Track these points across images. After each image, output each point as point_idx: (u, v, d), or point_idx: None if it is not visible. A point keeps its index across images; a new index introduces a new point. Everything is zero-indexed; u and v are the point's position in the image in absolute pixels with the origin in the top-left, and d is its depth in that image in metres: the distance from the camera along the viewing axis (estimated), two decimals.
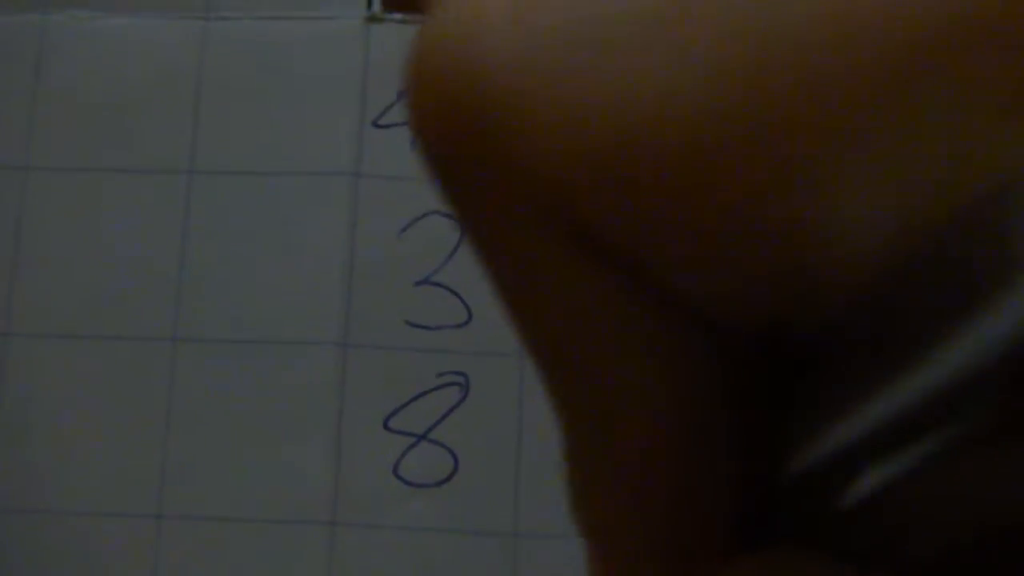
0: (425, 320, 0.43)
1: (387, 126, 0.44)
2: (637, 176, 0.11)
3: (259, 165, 0.44)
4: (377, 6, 0.45)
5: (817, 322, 0.12)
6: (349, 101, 0.44)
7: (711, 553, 0.13)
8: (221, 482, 0.42)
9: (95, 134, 0.44)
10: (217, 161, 0.44)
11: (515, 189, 0.12)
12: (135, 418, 0.42)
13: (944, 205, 0.10)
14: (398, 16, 0.45)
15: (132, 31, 0.45)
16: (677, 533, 0.13)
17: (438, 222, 0.43)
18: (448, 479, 0.42)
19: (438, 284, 0.43)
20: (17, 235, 0.44)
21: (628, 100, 0.11)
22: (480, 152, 0.12)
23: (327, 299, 0.43)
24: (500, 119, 0.11)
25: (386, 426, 0.42)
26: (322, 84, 0.44)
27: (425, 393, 0.42)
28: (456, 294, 0.43)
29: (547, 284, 0.12)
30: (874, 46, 0.10)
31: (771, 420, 0.13)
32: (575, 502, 0.14)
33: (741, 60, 0.10)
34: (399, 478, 0.42)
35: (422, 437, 0.42)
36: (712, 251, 0.11)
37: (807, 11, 0.10)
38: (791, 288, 0.11)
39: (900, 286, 0.11)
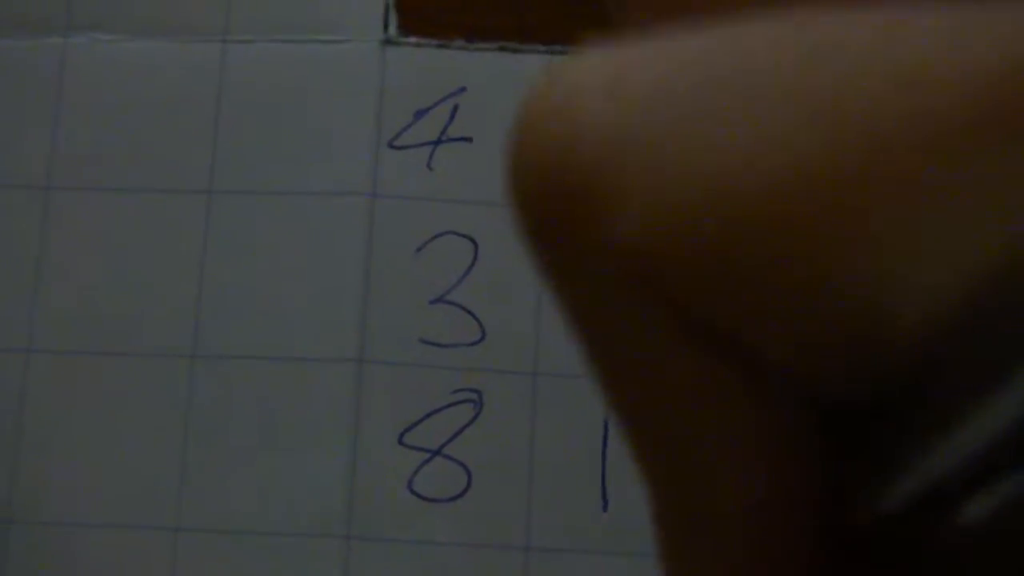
0: (439, 338, 0.43)
1: (402, 147, 0.44)
2: (729, 244, 0.11)
3: (277, 185, 0.44)
4: (393, 30, 0.45)
5: (896, 370, 0.12)
6: (365, 123, 0.44)
7: None
8: (238, 496, 0.42)
9: (115, 155, 0.45)
10: (235, 181, 0.44)
11: (609, 261, 0.12)
12: (154, 432, 0.43)
13: (1001, 272, 0.11)
14: (413, 40, 0.45)
15: (152, 54, 0.45)
16: None
17: (452, 242, 0.44)
18: (462, 494, 0.42)
19: (452, 303, 0.43)
20: (39, 253, 0.44)
21: (717, 169, 0.11)
22: (575, 225, 0.12)
23: (344, 316, 0.43)
24: (595, 191, 0.11)
25: (401, 441, 0.42)
26: (339, 106, 0.45)
27: (439, 409, 0.42)
28: (470, 313, 0.43)
29: (640, 356, 0.12)
30: (944, 108, 0.10)
31: (849, 470, 0.13)
32: (665, 559, 0.14)
33: (820, 133, 0.11)
34: (413, 493, 0.42)
35: (436, 453, 0.42)
36: (792, 312, 0.11)
37: (882, 80, 0.11)
38: (875, 338, 0.12)
39: (969, 333, 0.11)
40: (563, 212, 0.12)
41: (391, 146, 0.44)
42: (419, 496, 0.42)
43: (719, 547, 0.13)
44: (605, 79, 0.12)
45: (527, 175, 0.12)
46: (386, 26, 0.45)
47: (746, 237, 0.11)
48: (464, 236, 0.44)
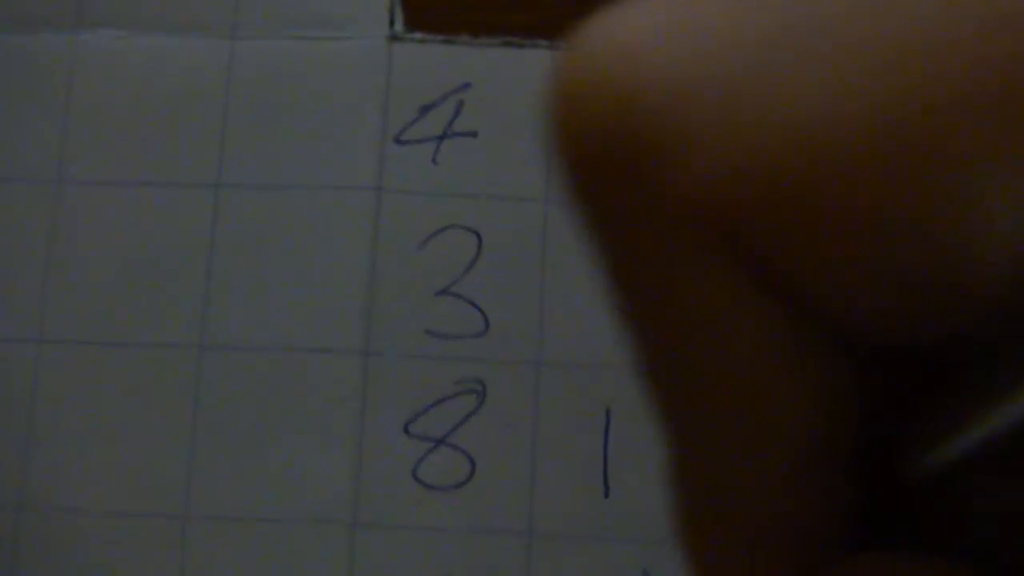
0: (444, 329, 0.43)
1: (408, 142, 0.45)
2: (814, 192, 0.11)
3: (284, 179, 0.45)
4: (399, 26, 0.46)
5: (951, 332, 0.12)
6: (371, 118, 0.45)
7: (829, 556, 0.13)
8: (245, 484, 0.43)
9: (125, 149, 0.45)
10: (243, 175, 0.45)
11: (672, 212, 0.11)
12: (162, 422, 0.43)
13: None
14: (419, 36, 0.46)
15: (161, 50, 0.46)
16: (796, 540, 0.13)
17: (457, 235, 0.44)
18: (465, 482, 0.42)
19: (457, 295, 0.43)
20: (49, 246, 0.44)
21: (793, 113, 0.11)
22: (641, 174, 0.11)
23: (349, 309, 0.43)
24: (663, 138, 0.11)
25: (406, 431, 0.43)
26: (345, 101, 0.45)
27: (444, 400, 0.43)
28: (474, 305, 0.43)
29: (701, 307, 0.12)
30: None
31: (893, 426, 0.13)
32: (685, 522, 0.13)
33: (907, 73, 0.11)
34: (418, 481, 0.42)
35: (440, 442, 0.43)
36: (875, 264, 0.11)
37: (970, 23, 0.10)
38: (937, 298, 0.11)
39: None
40: (627, 161, 0.11)
41: (397, 141, 0.45)
42: (424, 484, 0.42)
43: (750, 504, 0.13)
44: (668, 21, 0.11)
45: (579, 127, 0.11)
46: (392, 22, 0.46)
47: (832, 185, 0.11)
48: (469, 230, 0.44)
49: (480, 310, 0.43)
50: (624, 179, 0.11)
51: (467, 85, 0.45)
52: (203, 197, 0.45)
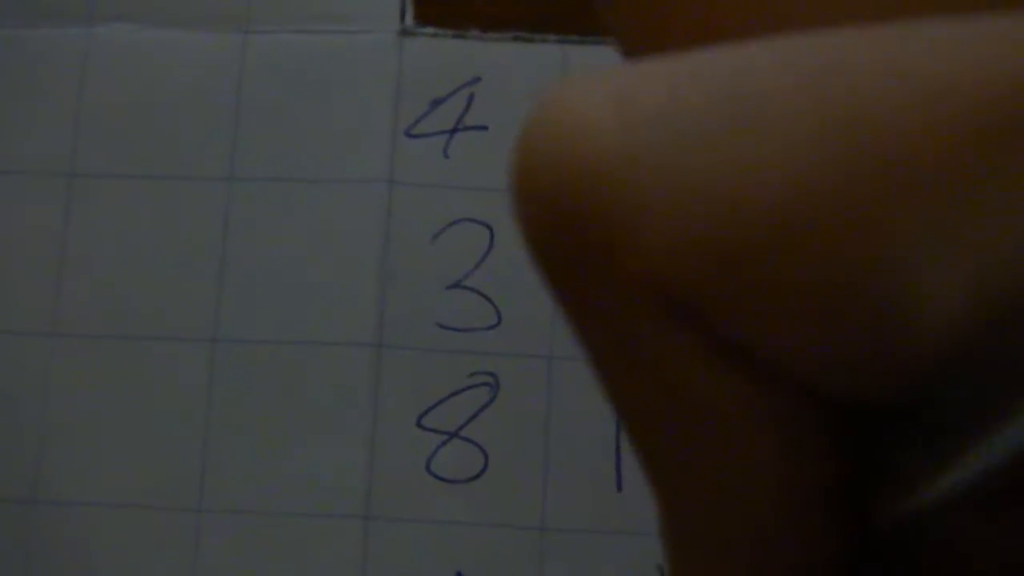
0: (456, 323, 0.43)
1: (419, 136, 0.45)
2: (752, 261, 0.11)
3: (296, 173, 0.45)
4: (410, 20, 0.46)
5: (909, 384, 0.12)
6: (382, 112, 0.45)
7: None
8: (259, 477, 0.43)
9: (137, 142, 0.45)
10: (255, 169, 0.45)
11: (624, 280, 0.11)
12: (176, 415, 0.43)
13: (1016, 278, 0.11)
14: (430, 30, 0.46)
15: (174, 44, 0.46)
16: None
17: (469, 228, 0.44)
18: (478, 475, 0.42)
19: (469, 288, 0.44)
20: (62, 239, 0.45)
21: (736, 185, 0.11)
22: (593, 253, 0.11)
23: (362, 302, 0.44)
24: (609, 213, 0.11)
25: (419, 424, 0.43)
26: (356, 95, 0.45)
27: (456, 393, 0.43)
28: (486, 298, 0.43)
29: (659, 374, 0.12)
30: (962, 118, 0.10)
31: (863, 476, 0.13)
32: (675, 571, 0.14)
33: (835, 144, 0.11)
34: (431, 474, 0.43)
35: (453, 435, 0.43)
36: (813, 325, 0.11)
37: (898, 92, 0.11)
38: (884, 355, 0.12)
39: (981, 351, 0.11)
40: (578, 240, 0.11)
41: (408, 134, 0.45)
42: (437, 477, 0.43)
43: (735, 558, 0.13)
44: (613, 97, 0.11)
45: (536, 204, 0.12)
46: (403, 17, 0.46)
47: (768, 253, 0.11)
48: (480, 223, 0.44)
49: (492, 303, 0.43)
50: (577, 254, 0.12)
51: (477, 79, 0.45)
52: (215, 190, 0.45)
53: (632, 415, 0.13)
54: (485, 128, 0.45)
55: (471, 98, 0.45)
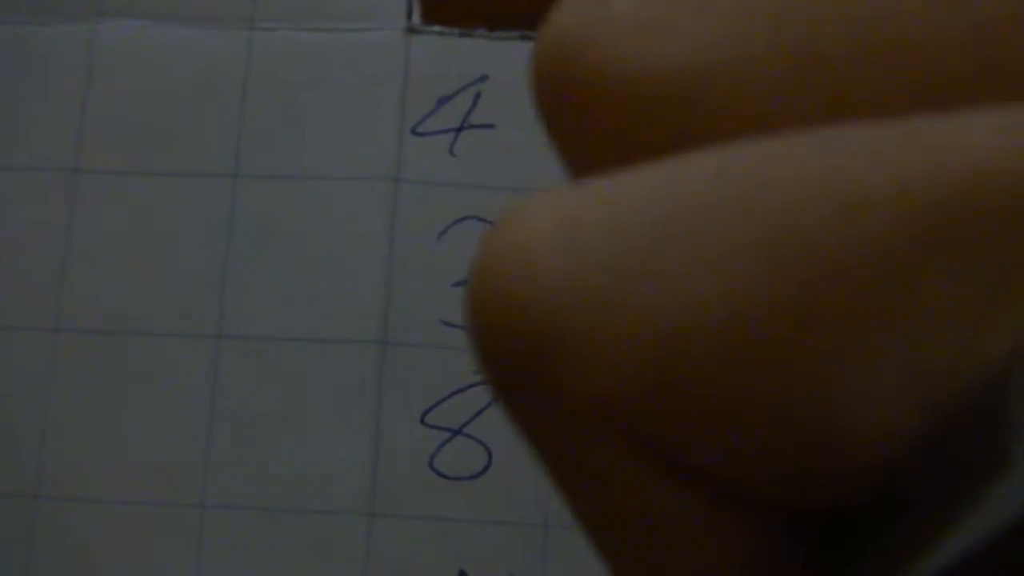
0: (461, 320, 0.43)
1: (425, 134, 0.45)
2: (682, 386, 0.11)
3: (302, 170, 0.45)
4: (416, 19, 0.46)
5: (862, 490, 0.12)
6: (389, 109, 0.45)
7: None
8: (263, 473, 0.43)
9: (143, 138, 0.45)
10: (261, 166, 0.45)
11: (570, 410, 0.12)
12: (180, 411, 0.43)
13: (952, 388, 0.11)
14: (437, 28, 0.46)
15: (180, 40, 0.46)
16: None
17: (474, 226, 0.44)
18: (482, 472, 0.43)
19: None
20: (67, 235, 0.45)
21: (666, 314, 0.11)
22: (535, 381, 0.12)
23: (367, 299, 0.44)
24: (550, 349, 0.11)
25: (423, 421, 0.43)
26: (363, 93, 0.45)
27: (460, 390, 0.43)
28: None
29: (609, 492, 0.12)
30: (883, 231, 0.10)
31: (828, 568, 0.13)
32: None
33: (764, 263, 0.11)
34: (435, 471, 0.43)
35: (457, 432, 0.43)
36: (755, 443, 0.11)
37: (821, 207, 0.11)
38: (827, 469, 0.12)
39: (925, 457, 0.11)
40: (526, 375, 0.12)
41: (414, 132, 0.45)
42: (440, 474, 0.43)
43: None
44: (556, 227, 0.12)
45: (485, 334, 0.12)
46: (410, 15, 0.46)
47: (697, 377, 0.11)
48: (486, 221, 0.44)
49: None
50: (527, 387, 0.12)
51: (484, 77, 0.45)
52: (221, 187, 0.45)
53: (587, 527, 0.13)
54: (491, 126, 0.45)
55: (477, 96, 0.45)
